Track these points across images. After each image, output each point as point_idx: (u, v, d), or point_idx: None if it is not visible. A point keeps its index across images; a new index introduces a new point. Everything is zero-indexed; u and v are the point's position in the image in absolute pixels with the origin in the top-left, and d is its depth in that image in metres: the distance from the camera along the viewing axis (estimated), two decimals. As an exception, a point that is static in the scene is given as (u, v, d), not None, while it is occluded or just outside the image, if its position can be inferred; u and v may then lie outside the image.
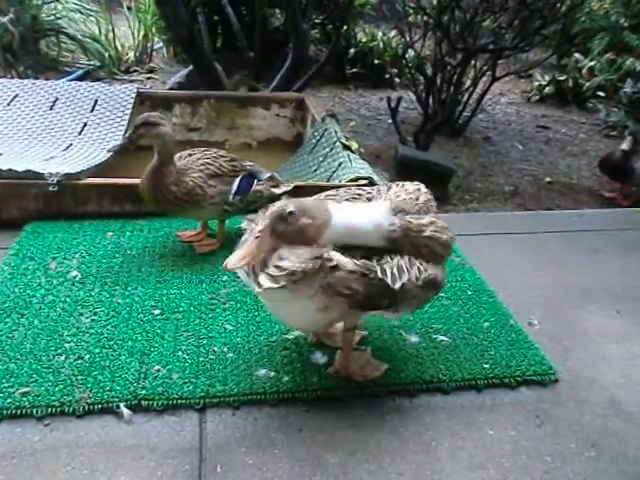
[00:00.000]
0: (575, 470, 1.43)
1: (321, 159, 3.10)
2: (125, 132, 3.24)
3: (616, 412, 1.63)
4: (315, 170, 3.09)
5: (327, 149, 3.10)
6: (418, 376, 1.68)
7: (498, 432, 1.53)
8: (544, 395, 1.67)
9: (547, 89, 6.41)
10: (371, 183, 2.54)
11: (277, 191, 2.30)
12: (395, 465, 1.42)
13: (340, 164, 2.87)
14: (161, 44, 6.95)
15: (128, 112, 3.38)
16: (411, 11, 4.66)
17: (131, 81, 5.94)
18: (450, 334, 1.87)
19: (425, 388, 1.65)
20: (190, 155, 2.19)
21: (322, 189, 2.51)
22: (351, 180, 2.61)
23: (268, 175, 2.31)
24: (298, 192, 2.45)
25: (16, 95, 3.38)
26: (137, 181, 2.21)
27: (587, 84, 6.22)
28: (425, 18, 4.08)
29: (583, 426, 1.57)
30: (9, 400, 1.52)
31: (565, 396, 1.68)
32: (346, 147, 2.99)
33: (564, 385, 1.72)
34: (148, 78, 6.18)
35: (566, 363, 1.81)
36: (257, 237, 1.41)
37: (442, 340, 1.83)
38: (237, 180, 2.19)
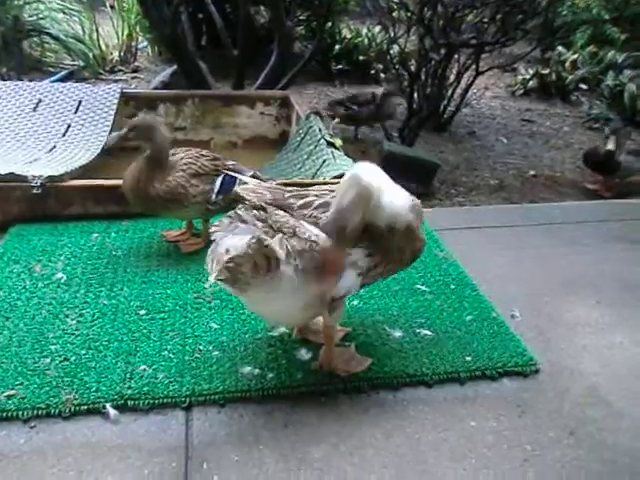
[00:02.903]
0: (554, 457, 1.46)
1: (305, 157, 3.11)
2: (109, 132, 3.24)
3: (595, 400, 1.66)
4: (300, 168, 3.11)
5: (311, 147, 3.12)
6: (402, 370, 1.70)
7: (480, 423, 1.56)
8: (525, 385, 1.71)
9: (531, 83, 6.45)
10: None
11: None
12: (379, 457, 1.44)
13: (324, 161, 2.89)
14: (145, 43, 6.92)
15: (112, 113, 3.37)
16: (395, 7, 4.67)
17: (116, 81, 5.92)
18: (433, 328, 1.90)
19: (409, 382, 1.68)
20: (173, 155, 2.21)
21: (306, 186, 2.56)
22: (335, 177, 2.63)
23: (250, 173, 2.32)
24: (282, 190, 2.48)
25: (-2, 97, 3.36)
26: (120, 182, 2.23)
27: (570, 77, 6.27)
28: (408, 14, 4.09)
29: (563, 415, 1.61)
30: (-5, 403, 1.53)
31: (546, 386, 1.71)
32: (330, 144, 3.01)
33: (545, 375, 1.75)
34: (133, 78, 6.16)
35: (547, 354, 1.84)
36: None
37: (425, 334, 1.86)
38: (219, 179, 2.21)
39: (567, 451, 1.49)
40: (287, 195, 1.58)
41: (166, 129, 2.23)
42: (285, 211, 1.54)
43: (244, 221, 1.51)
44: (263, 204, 1.54)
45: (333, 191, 1.59)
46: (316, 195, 1.59)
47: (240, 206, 1.58)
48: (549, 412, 1.61)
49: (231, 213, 1.57)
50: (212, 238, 1.50)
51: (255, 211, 1.53)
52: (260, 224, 1.50)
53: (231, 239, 1.40)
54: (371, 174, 1.53)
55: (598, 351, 1.87)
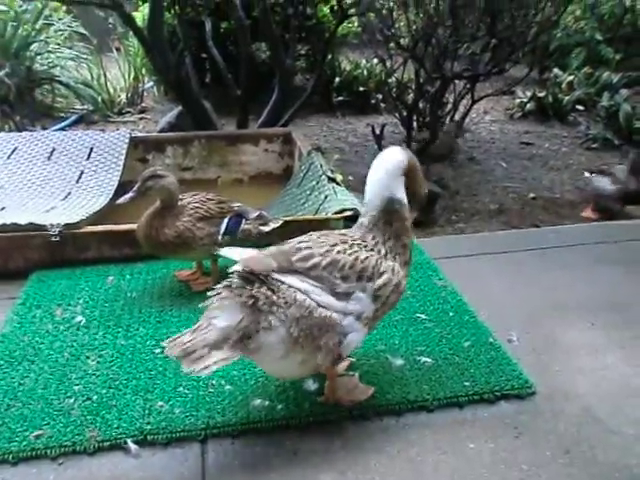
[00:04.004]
0: (549, 476, 1.55)
1: (308, 192, 3.25)
2: (121, 176, 3.41)
3: (589, 420, 1.75)
4: (304, 203, 3.24)
5: (314, 182, 3.25)
6: (403, 397, 1.80)
7: (478, 445, 1.65)
8: (522, 408, 1.79)
9: (529, 105, 6.59)
10: (355, 215, 2.68)
11: (265, 229, 2.44)
12: (383, 481, 1.54)
13: (326, 197, 3.02)
14: (151, 84, 7.17)
15: (123, 157, 3.54)
16: (390, 40, 4.86)
17: (124, 122, 6.14)
18: (433, 355, 2.00)
19: (410, 407, 1.78)
20: (181, 200, 2.34)
21: (310, 222, 2.69)
22: (337, 212, 2.75)
23: (256, 214, 2.45)
24: (287, 228, 2.61)
25: (15, 148, 3.54)
26: (134, 226, 2.37)
27: (566, 98, 6.40)
28: (400, 51, 4.27)
29: (558, 435, 1.69)
30: (24, 443, 1.64)
31: (542, 407, 1.80)
32: (331, 180, 3.14)
33: (541, 397, 1.84)
34: (141, 118, 6.38)
35: (543, 376, 1.93)
36: None
37: (425, 362, 1.96)
38: (225, 221, 2.34)
39: (561, 469, 1.57)
40: (294, 259, 1.60)
41: (174, 172, 2.36)
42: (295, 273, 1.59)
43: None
44: (267, 276, 1.57)
45: (335, 245, 1.65)
46: (321, 255, 1.62)
47: (232, 281, 1.59)
48: (545, 432, 1.70)
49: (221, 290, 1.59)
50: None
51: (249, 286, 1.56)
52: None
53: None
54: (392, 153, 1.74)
55: (592, 372, 1.95)
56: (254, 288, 1.55)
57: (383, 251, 1.72)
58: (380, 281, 1.66)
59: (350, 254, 1.65)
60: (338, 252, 1.64)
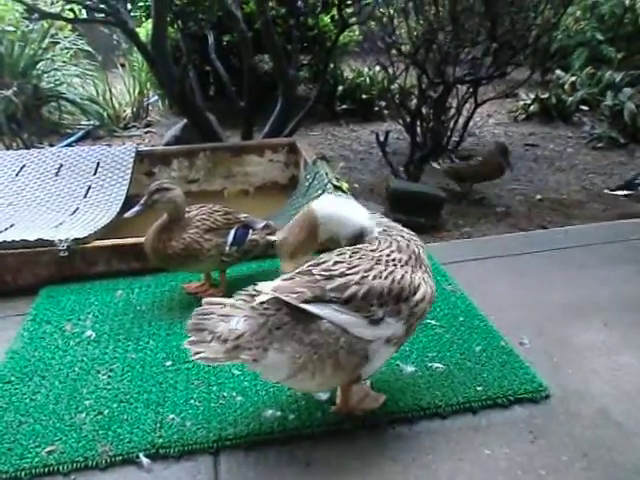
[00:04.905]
0: (567, 480, 1.53)
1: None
2: (128, 190, 3.42)
3: (605, 422, 1.72)
4: (310, 211, 3.23)
5: (319, 191, 3.25)
6: (416, 404, 1.79)
7: (494, 450, 1.64)
8: (536, 411, 1.77)
9: (532, 107, 6.58)
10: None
11: (273, 238, 2.44)
12: (398, 490, 1.52)
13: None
14: (156, 97, 7.23)
15: (129, 171, 3.56)
16: (393, 46, 4.87)
17: (130, 137, 6.19)
18: (444, 361, 1.98)
19: (423, 414, 1.76)
20: (187, 212, 2.35)
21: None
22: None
23: (263, 224, 2.45)
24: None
25: (23, 165, 3.57)
26: (142, 239, 2.38)
27: (570, 99, 6.39)
28: (401, 58, 4.28)
29: (574, 438, 1.67)
30: (37, 459, 1.64)
31: (557, 410, 1.78)
32: (337, 188, 3.14)
33: (555, 400, 1.82)
34: (146, 132, 6.42)
35: (557, 378, 1.91)
36: None
37: (437, 367, 1.94)
38: (232, 232, 2.35)
39: (580, 474, 1.55)
40: (328, 288, 1.53)
41: (180, 184, 2.37)
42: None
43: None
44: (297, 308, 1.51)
45: (371, 269, 1.58)
46: (357, 283, 1.54)
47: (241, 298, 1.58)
48: (561, 436, 1.68)
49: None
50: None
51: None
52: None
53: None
54: (323, 203, 1.74)
55: (606, 373, 1.93)
56: (276, 313, 1.53)
57: (412, 262, 1.68)
58: (417, 297, 1.61)
59: (386, 277, 1.58)
60: (374, 277, 1.56)
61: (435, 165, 4.43)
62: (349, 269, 1.57)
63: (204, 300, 1.62)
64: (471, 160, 4.27)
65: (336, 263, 1.59)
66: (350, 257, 1.62)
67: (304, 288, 1.52)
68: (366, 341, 1.56)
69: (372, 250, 1.66)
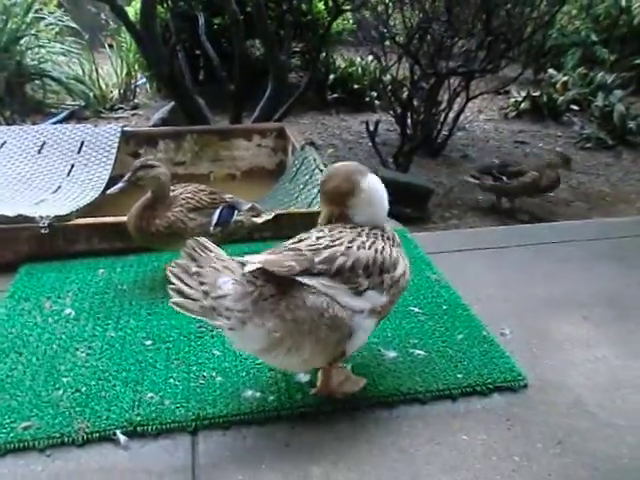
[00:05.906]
0: (541, 466, 1.54)
1: (302, 186, 3.23)
2: (112, 170, 3.38)
3: (580, 412, 1.74)
4: (297, 197, 3.22)
5: (307, 177, 3.24)
6: (396, 389, 1.79)
7: (471, 436, 1.64)
8: (514, 400, 1.79)
9: (523, 105, 6.61)
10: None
11: (258, 220, 2.43)
12: (375, 472, 1.52)
13: (319, 190, 3.00)
14: (144, 80, 7.14)
15: (114, 151, 3.52)
16: (385, 37, 4.86)
17: (116, 119, 6.11)
18: (426, 348, 1.98)
19: (403, 399, 1.76)
20: (172, 191, 2.32)
21: (302, 216, 2.67)
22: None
23: (249, 205, 2.44)
24: (279, 221, 2.59)
25: (4, 142, 3.51)
26: (124, 218, 2.35)
27: (561, 98, 6.43)
28: (395, 47, 4.27)
29: (550, 426, 1.68)
30: (12, 434, 1.62)
31: (534, 400, 1.79)
32: (325, 174, 3.12)
33: (533, 390, 1.83)
34: (133, 114, 6.35)
35: (536, 369, 1.92)
36: None
37: (419, 354, 1.95)
38: (217, 212, 2.32)
39: (554, 460, 1.56)
40: (316, 260, 1.53)
41: (166, 166, 2.35)
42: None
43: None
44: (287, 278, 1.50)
45: (354, 240, 1.60)
46: (343, 254, 1.55)
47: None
48: (537, 424, 1.69)
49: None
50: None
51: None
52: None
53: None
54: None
55: (583, 365, 1.95)
56: (265, 284, 1.51)
57: (390, 240, 1.72)
58: (399, 270, 1.65)
59: (369, 247, 1.60)
60: (358, 248, 1.58)
61: (471, 180, 4.18)
62: (332, 241, 1.59)
63: (203, 239, 1.59)
64: (523, 176, 3.99)
65: (319, 238, 1.61)
66: (330, 231, 1.65)
67: (292, 261, 1.51)
68: (349, 315, 1.56)
69: (351, 227, 1.69)
